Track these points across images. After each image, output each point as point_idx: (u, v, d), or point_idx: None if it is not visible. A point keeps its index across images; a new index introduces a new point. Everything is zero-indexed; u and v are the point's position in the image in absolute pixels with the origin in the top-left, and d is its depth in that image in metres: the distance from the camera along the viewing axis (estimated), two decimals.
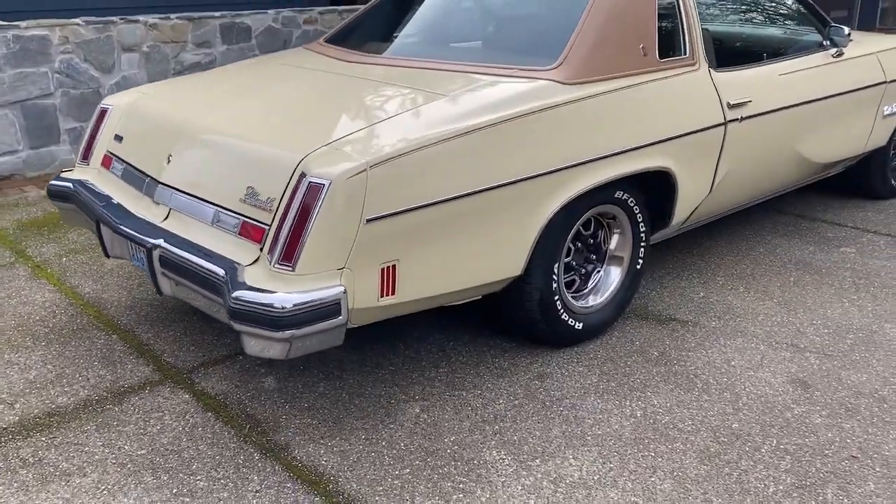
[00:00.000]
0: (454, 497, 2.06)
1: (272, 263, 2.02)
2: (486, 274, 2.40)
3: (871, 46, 3.90)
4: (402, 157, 2.10)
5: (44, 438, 2.30)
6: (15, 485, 2.10)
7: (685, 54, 2.93)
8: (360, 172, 2.01)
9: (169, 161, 2.50)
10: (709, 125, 2.92)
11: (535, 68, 2.59)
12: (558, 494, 2.07)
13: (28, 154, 5.11)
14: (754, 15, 3.93)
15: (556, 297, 2.65)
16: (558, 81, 2.53)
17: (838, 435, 2.33)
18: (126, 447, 2.26)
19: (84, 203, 2.73)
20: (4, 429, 2.35)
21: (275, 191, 2.11)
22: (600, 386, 2.59)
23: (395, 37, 3.20)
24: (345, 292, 2.01)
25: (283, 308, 1.93)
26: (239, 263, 2.09)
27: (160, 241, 2.28)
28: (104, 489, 2.08)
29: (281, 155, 2.15)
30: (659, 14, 2.88)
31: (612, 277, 2.91)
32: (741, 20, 3.95)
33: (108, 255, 2.66)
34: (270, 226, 2.09)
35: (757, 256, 3.68)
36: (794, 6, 3.72)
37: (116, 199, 2.65)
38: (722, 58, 3.27)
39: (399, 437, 2.32)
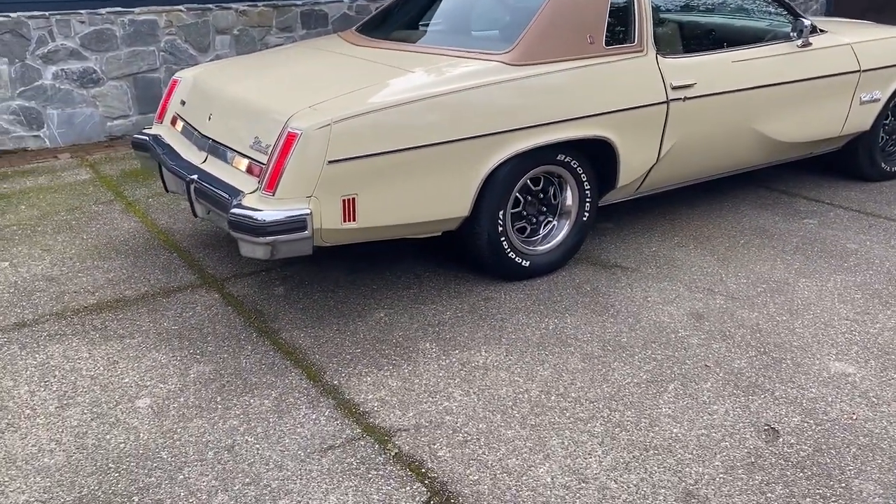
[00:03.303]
0: (385, 367, 2.80)
1: (260, 190, 2.81)
2: (436, 212, 3.10)
3: (847, 38, 4.29)
4: (361, 116, 2.83)
5: (110, 315, 3.20)
6: (86, 340, 3.00)
7: (633, 42, 3.50)
8: (325, 126, 2.76)
9: (210, 119, 3.33)
10: (650, 103, 3.49)
11: (491, 52, 3.26)
12: (462, 372, 2.77)
13: (137, 118, 6.17)
14: (725, 8, 4.40)
15: (503, 239, 3.31)
16: (506, 63, 3.19)
17: (704, 352, 2.90)
18: (165, 324, 3.12)
19: (154, 151, 3.61)
20: (85, 307, 3.26)
21: (271, 139, 2.89)
22: (531, 308, 3.25)
23: (395, 27, 3.93)
24: (310, 214, 2.77)
25: (262, 221, 2.71)
26: (242, 192, 2.89)
27: (195, 176, 3.11)
28: (143, 347, 2.95)
29: (277, 113, 2.92)
30: (615, 9, 3.47)
31: (561, 228, 3.54)
32: (713, 12, 4.42)
33: (167, 190, 3.54)
34: (265, 165, 2.87)
35: (722, 223, 4.18)
36: (765, 0, 4.18)
37: (175, 147, 3.51)
38: (685, 45, 3.82)
39: (361, 330, 3.07)
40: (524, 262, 3.42)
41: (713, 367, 2.80)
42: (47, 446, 2.36)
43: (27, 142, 5.72)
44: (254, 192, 2.87)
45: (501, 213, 3.27)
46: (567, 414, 2.53)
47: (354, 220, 2.91)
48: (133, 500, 2.14)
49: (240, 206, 2.79)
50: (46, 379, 2.72)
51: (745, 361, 2.83)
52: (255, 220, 2.72)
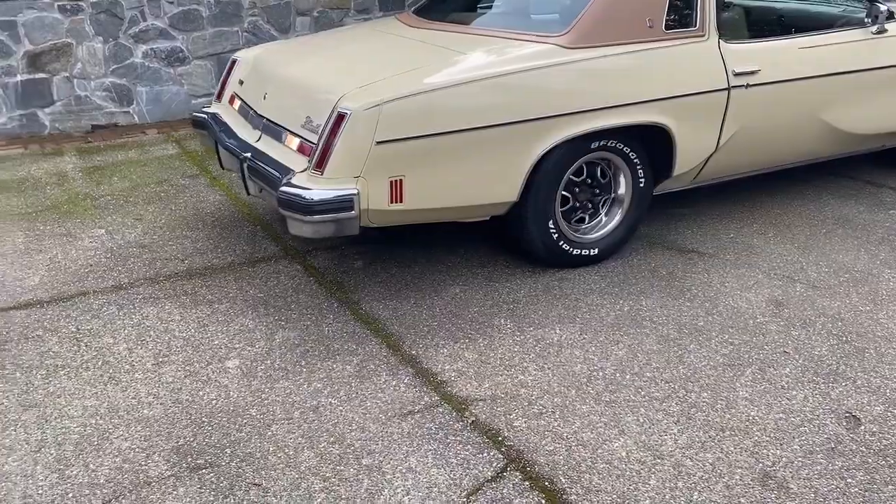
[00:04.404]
0: (461, 340, 2.87)
1: (310, 169, 2.85)
2: (484, 196, 3.06)
3: None
4: (411, 98, 2.85)
5: (199, 281, 3.35)
6: (178, 303, 3.15)
7: (695, 27, 3.40)
8: (375, 107, 2.78)
9: (265, 98, 3.42)
10: (710, 89, 3.38)
11: (547, 35, 3.22)
12: (537, 348, 2.82)
13: None
14: None
15: (553, 230, 3.26)
16: (562, 46, 3.15)
17: (783, 338, 2.88)
18: (250, 291, 3.26)
19: (211, 129, 3.70)
20: (175, 273, 3.42)
21: (322, 119, 2.90)
22: (605, 289, 3.26)
23: (451, 9, 3.95)
24: (357, 194, 2.78)
25: (310, 200, 2.75)
26: (293, 170, 2.92)
27: (248, 154, 3.20)
28: (231, 312, 3.09)
29: (329, 93, 2.95)
30: None
31: (613, 216, 3.47)
32: None
33: (222, 167, 3.63)
34: (316, 144, 2.89)
35: (803, 211, 4.10)
36: None
37: (231, 126, 3.58)
38: (751, 31, 3.73)
39: (437, 305, 3.14)
40: (574, 250, 3.36)
41: (792, 354, 2.78)
42: (146, 399, 2.51)
43: (118, 117, 5.97)
44: (304, 171, 2.89)
45: (551, 199, 3.22)
46: (642, 393, 2.55)
47: (402, 201, 2.91)
48: (226, 452, 2.27)
49: (289, 184, 2.84)
50: (143, 338, 2.88)
51: (826, 349, 2.80)
52: (304, 198, 2.76)
